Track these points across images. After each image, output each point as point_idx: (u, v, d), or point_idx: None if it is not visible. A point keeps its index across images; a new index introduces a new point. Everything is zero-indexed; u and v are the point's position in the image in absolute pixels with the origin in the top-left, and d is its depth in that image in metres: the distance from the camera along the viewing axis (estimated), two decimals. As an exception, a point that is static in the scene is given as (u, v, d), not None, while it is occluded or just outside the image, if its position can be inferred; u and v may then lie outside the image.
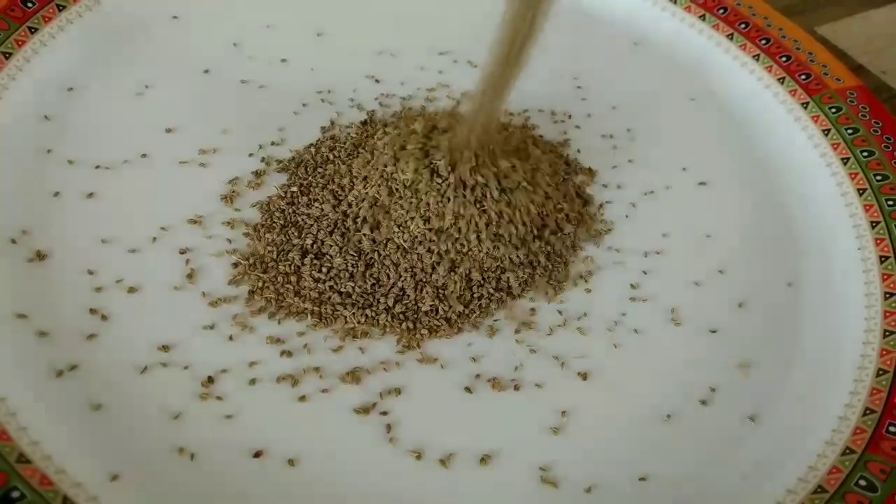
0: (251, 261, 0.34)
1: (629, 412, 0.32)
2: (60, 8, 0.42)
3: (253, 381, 0.31)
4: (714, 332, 0.35)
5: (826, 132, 0.43)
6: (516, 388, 0.32)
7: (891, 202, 0.39)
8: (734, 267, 0.38)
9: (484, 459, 0.30)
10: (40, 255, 0.33)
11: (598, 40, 0.49)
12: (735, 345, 0.35)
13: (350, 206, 0.37)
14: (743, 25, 0.48)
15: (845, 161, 0.41)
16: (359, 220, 0.36)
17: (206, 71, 0.43)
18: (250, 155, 0.39)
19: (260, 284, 0.34)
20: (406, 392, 0.31)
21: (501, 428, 0.31)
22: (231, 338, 0.32)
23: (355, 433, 0.30)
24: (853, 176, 0.41)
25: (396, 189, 0.36)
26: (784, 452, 0.31)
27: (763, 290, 0.37)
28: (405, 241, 0.35)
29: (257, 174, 0.38)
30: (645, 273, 0.37)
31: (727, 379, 0.33)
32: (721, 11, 0.49)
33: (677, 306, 0.36)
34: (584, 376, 0.33)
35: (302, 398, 0.31)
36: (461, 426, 0.31)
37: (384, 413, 0.31)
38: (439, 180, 0.36)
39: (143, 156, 0.38)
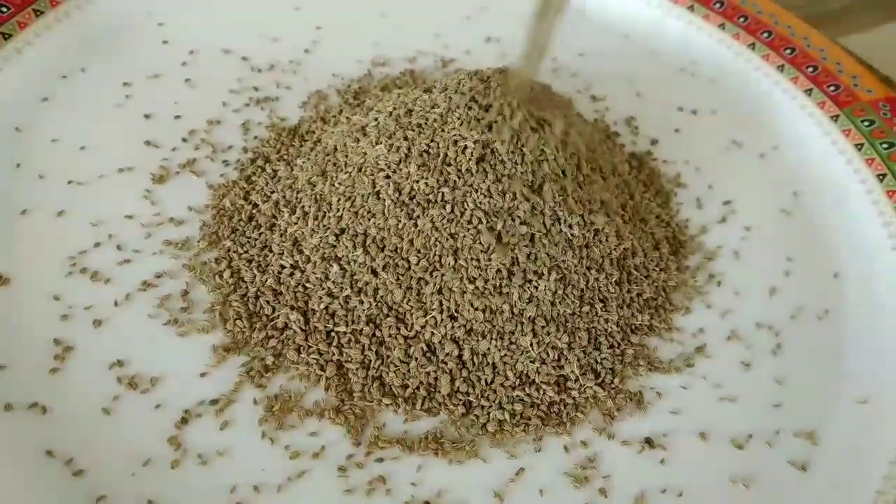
0: (235, 286, 0.31)
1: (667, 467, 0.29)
2: (38, 14, 0.40)
3: (229, 424, 0.28)
4: (748, 366, 0.32)
5: (859, 147, 0.40)
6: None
7: (932, 221, 0.36)
8: (765, 288, 0.35)
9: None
10: (2, 279, 0.30)
11: (613, 50, 0.46)
12: (773, 376, 0.32)
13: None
14: (765, 35, 0.45)
15: (881, 177, 0.38)
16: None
17: (188, 80, 0.40)
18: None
19: (243, 312, 0.30)
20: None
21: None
22: (205, 374, 0.29)
23: (345, 485, 0.27)
24: (890, 194, 0.38)
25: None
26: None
27: (799, 315, 0.34)
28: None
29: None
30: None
31: (763, 420, 0.30)
32: (741, 20, 0.46)
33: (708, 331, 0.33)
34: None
35: (285, 444, 0.27)
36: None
37: (380, 460, 0.27)
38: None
39: (121, 170, 0.35)
